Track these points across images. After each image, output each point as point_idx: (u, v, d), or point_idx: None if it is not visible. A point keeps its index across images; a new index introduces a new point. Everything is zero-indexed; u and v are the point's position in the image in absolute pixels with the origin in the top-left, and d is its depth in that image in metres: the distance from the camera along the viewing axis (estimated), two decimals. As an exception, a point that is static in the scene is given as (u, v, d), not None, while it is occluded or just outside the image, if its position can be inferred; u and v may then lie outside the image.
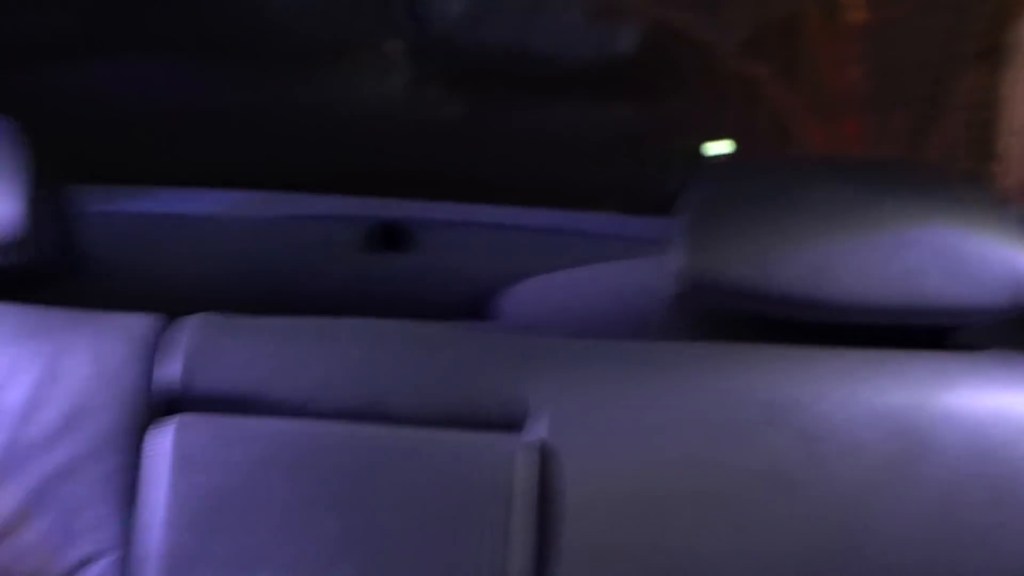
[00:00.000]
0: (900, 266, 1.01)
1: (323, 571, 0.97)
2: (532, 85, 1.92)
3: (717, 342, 1.06)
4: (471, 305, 1.29)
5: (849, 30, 2.55)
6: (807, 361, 1.04)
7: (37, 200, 1.02)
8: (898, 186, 1.05)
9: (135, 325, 1.03)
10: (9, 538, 0.97)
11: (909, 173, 1.12)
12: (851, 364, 1.03)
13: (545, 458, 0.99)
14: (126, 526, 0.98)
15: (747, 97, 2.30)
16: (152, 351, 1.01)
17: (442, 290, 1.34)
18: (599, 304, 1.25)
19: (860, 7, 2.54)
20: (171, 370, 1.01)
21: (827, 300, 1.02)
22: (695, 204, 1.04)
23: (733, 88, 2.25)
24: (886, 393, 1.01)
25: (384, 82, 1.89)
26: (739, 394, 1.01)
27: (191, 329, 1.04)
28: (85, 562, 0.97)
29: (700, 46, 2.23)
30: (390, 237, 1.40)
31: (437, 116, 1.89)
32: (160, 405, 1.01)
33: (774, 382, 1.02)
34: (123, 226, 1.38)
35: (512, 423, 1.01)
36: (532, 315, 1.26)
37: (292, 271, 1.35)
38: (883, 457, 0.99)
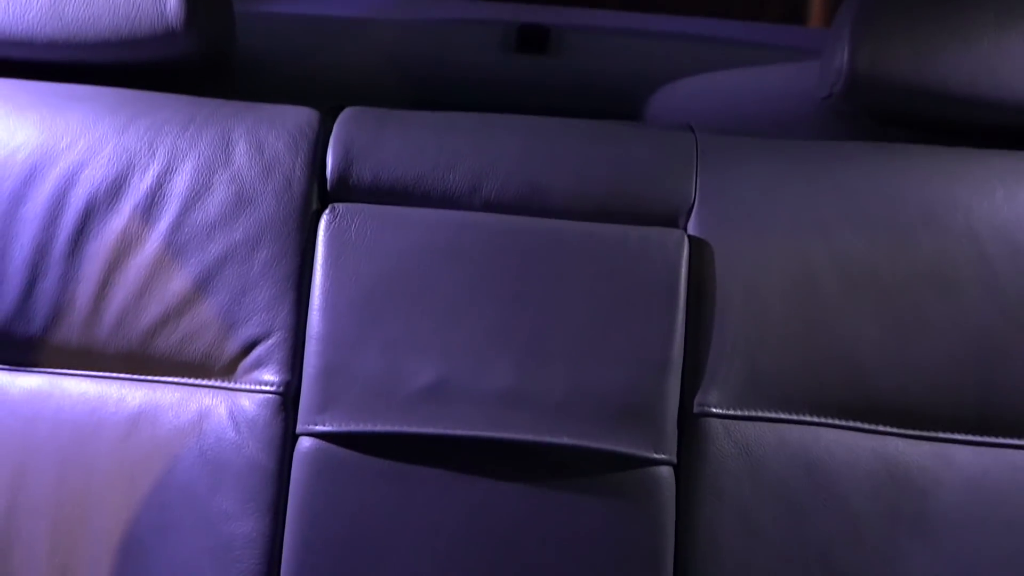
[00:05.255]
0: None
1: (483, 358, 0.98)
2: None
3: (871, 142, 1.04)
4: (618, 107, 1.27)
5: None
6: (965, 161, 1.01)
7: None
8: None
9: (295, 116, 1.05)
10: (182, 317, 1.01)
11: None
12: (1011, 165, 1.01)
13: (703, 252, 1.00)
14: (293, 309, 1.01)
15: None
16: (313, 142, 1.03)
17: (588, 93, 1.33)
18: (747, 106, 1.23)
19: None
20: (330, 160, 1.03)
21: (991, 98, 0.99)
22: (860, 1, 1.01)
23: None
24: None
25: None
26: (896, 192, 1.00)
27: (349, 121, 1.05)
28: (255, 341, 1.01)
29: None
30: (534, 40, 1.39)
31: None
32: (320, 193, 1.03)
33: (931, 181, 1.00)
34: (281, 26, 1.39)
35: (671, 218, 1.01)
36: (681, 116, 1.24)
37: (439, 72, 1.34)
38: None
